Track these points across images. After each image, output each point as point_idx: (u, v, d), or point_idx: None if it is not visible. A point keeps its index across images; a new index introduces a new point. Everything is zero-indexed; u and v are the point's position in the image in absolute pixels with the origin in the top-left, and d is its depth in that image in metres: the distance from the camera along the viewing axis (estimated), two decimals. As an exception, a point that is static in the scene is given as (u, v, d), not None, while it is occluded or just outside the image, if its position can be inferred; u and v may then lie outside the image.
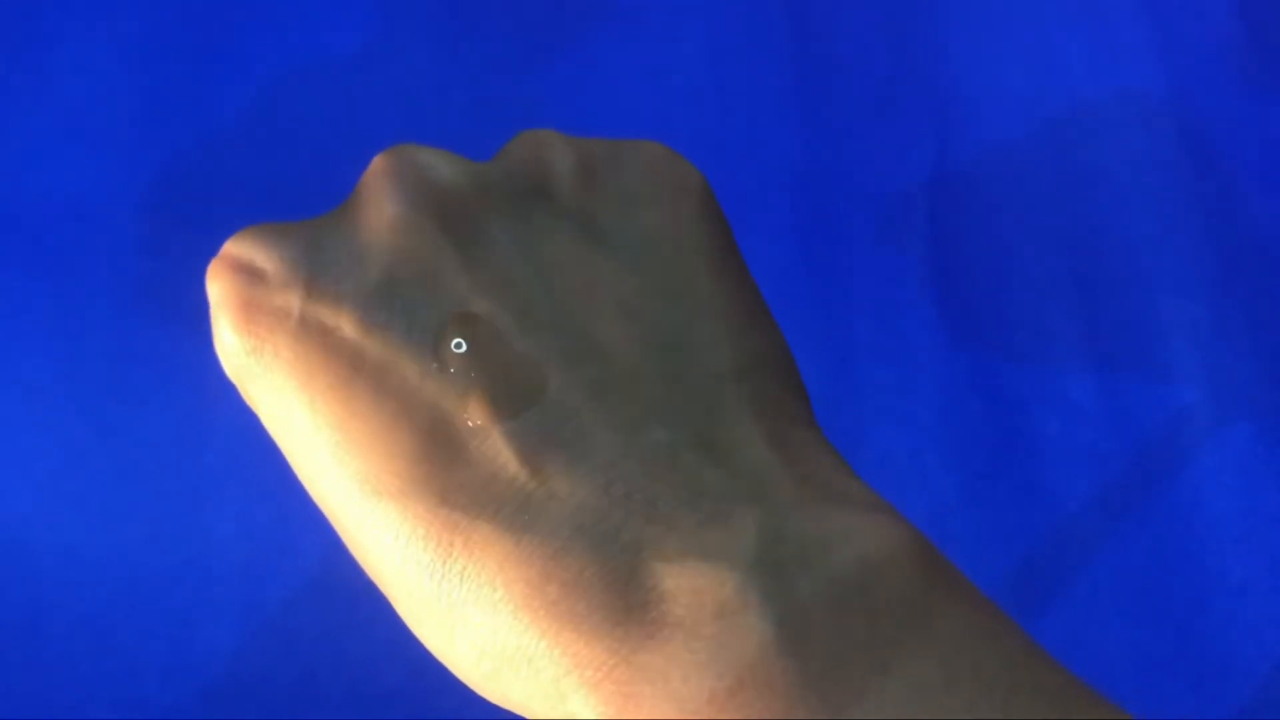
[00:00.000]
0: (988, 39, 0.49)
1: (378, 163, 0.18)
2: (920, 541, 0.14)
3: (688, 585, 0.13)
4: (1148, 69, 0.49)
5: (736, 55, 0.49)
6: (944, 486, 0.42)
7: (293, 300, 0.17)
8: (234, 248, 0.17)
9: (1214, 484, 0.42)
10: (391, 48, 0.48)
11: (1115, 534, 0.41)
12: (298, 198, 0.45)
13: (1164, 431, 0.43)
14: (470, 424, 0.15)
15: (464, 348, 0.16)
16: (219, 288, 0.17)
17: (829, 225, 0.46)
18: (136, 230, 0.45)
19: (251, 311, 0.17)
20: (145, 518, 0.41)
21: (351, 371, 0.16)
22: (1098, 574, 0.41)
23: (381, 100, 0.47)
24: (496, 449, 0.15)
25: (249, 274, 0.17)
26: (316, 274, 0.17)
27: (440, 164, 0.18)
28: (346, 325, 0.16)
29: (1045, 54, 0.49)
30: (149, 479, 0.41)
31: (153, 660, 0.39)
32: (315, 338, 0.16)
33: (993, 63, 0.49)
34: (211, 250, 0.45)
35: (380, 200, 0.17)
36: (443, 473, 0.15)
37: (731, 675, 0.12)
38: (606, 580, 0.13)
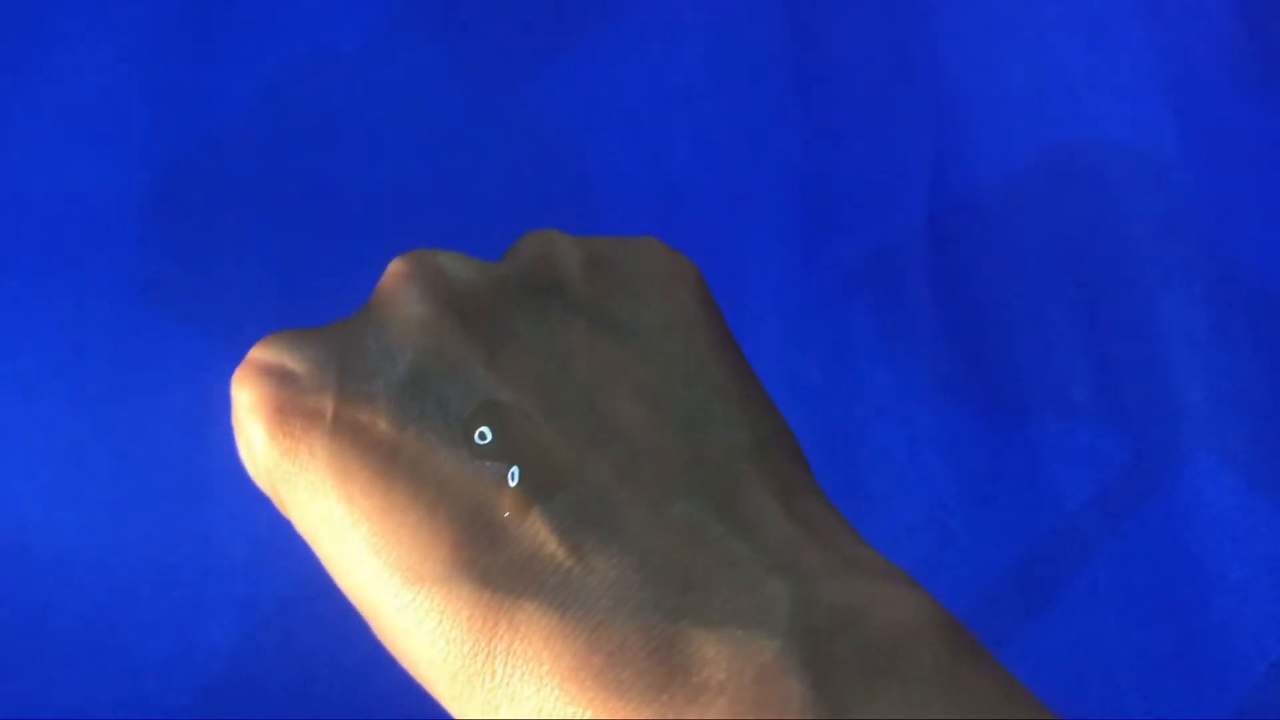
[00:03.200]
0: (987, 39, 0.49)
1: (396, 266, 0.19)
2: (942, 611, 0.14)
3: (728, 651, 0.14)
4: (1148, 69, 0.49)
5: (736, 55, 0.49)
6: (944, 486, 0.42)
7: (326, 400, 0.17)
8: (261, 353, 0.18)
9: (1214, 484, 0.42)
10: (391, 48, 0.48)
11: (1115, 534, 0.41)
12: (299, 197, 0.45)
13: (1163, 431, 0.43)
14: (506, 510, 0.16)
15: (493, 435, 0.16)
16: (249, 393, 0.18)
17: (829, 225, 0.46)
18: (137, 230, 0.45)
19: (285, 414, 0.17)
20: (145, 518, 0.41)
21: (388, 465, 0.16)
22: (1097, 574, 0.41)
23: (381, 100, 0.47)
24: (535, 529, 0.15)
25: (279, 377, 0.18)
26: (347, 374, 0.17)
27: (457, 266, 0.18)
28: (381, 421, 0.17)
29: (1045, 54, 0.49)
30: (149, 479, 0.41)
31: (153, 660, 0.39)
32: (350, 435, 0.17)
33: (992, 63, 0.49)
34: (213, 250, 0.45)
35: (403, 302, 0.18)
36: (483, 556, 0.15)
37: None
38: (649, 648, 0.14)
